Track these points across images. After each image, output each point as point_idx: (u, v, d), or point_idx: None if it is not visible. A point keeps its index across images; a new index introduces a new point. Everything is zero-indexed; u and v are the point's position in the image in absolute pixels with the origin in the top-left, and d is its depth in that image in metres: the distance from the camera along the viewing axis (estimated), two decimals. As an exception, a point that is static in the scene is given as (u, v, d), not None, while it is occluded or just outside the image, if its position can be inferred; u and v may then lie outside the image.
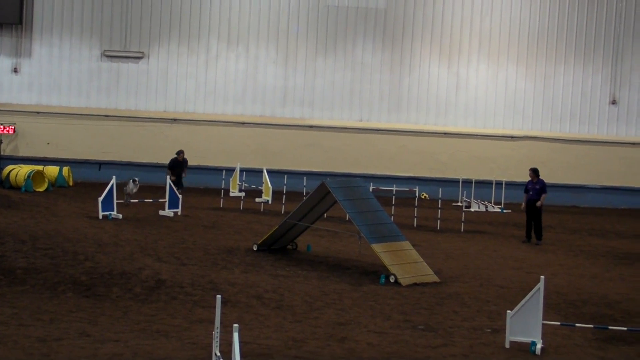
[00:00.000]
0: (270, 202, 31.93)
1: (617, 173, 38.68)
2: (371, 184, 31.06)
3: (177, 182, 30.72)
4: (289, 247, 23.08)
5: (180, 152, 32.09)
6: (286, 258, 22.08)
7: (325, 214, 25.35)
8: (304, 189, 32.37)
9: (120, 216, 26.78)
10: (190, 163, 33.50)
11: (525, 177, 28.76)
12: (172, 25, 39.55)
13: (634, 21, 39.12)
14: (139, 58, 39.63)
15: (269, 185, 32.01)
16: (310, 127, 39.23)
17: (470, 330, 16.00)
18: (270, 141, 39.27)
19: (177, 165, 31.80)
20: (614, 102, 39.08)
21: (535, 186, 27.18)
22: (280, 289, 18.40)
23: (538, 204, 26.95)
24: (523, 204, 27.42)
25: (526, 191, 27.41)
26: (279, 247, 22.85)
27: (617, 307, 18.63)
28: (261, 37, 39.39)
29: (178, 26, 39.55)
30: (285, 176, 33.19)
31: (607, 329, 16.23)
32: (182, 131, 39.31)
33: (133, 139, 39.33)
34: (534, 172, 27.53)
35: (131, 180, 30.34)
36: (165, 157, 34.76)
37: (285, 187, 32.02)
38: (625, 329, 16.27)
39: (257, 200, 32.42)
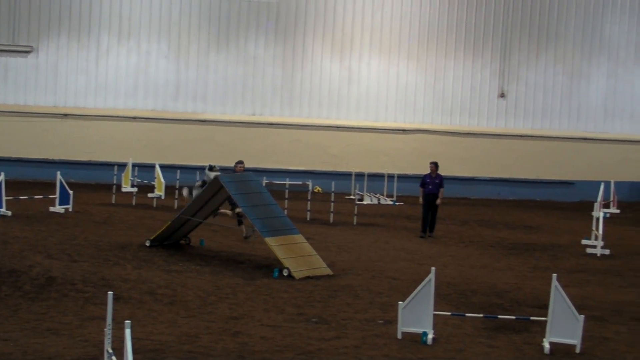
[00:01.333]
0: (163, 197, 31.68)
1: (506, 165, 39.48)
2: (264, 178, 31.08)
3: None
4: (182, 242, 22.96)
5: None
6: (179, 253, 21.96)
7: (219, 209, 25.27)
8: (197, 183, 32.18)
9: (10, 213, 26.26)
10: (81, 159, 33.03)
11: (418, 170, 29.07)
12: (62, 19, 38.93)
13: (521, 16, 39.96)
14: (28, 52, 38.90)
15: (162, 180, 31.74)
16: (203, 121, 39.06)
17: (363, 322, 16.17)
18: (163, 136, 38.97)
19: None
20: (502, 96, 39.87)
21: (435, 180, 27.24)
22: (173, 285, 18.30)
23: (438, 201, 27.09)
24: (421, 198, 27.30)
25: (423, 185, 27.32)
26: (172, 242, 22.71)
27: (506, 297, 19.04)
28: (152, 31, 39.06)
29: (68, 20, 38.94)
30: (178, 171, 32.97)
31: (497, 318, 16.60)
32: (72, 126, 38.71)
33: (22, 135, 38.57)
34: (436, 165, 27.56)
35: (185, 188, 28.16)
36: (55, 153, 34.18)
37: (178, 182, 31.81)
38: (513, 317, 16.65)
39: (149, 195, 32.13)
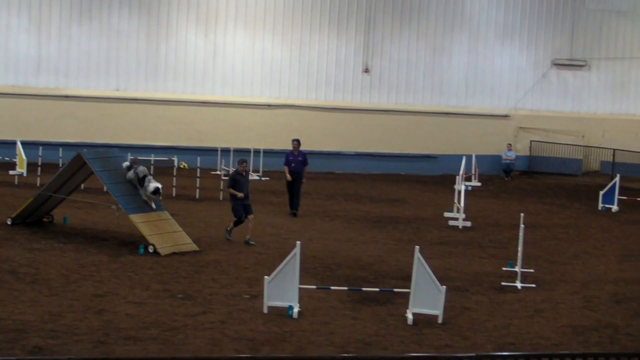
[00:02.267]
0: (25, 174, 30.96)
1: (371, 139, 39.91)
2: (129, 154, 30.71)
3: None
4: (45, 219, 22.53)
5: None
6: (42, 231, 21.57)
7: (82, 185, 24.87)
8: (60, 160, 31.59)
9: None
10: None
11: (284, 145, 28.85)
12: None
13: (385, -8, 40.35)
14: None
15: (23, 157, 31.04)
16: (66, 97, 38.20)
17: (229, 297, 16.21)
18: (24, 112, 37.96)
19: None
20: (366, 71, 40.25)
21: (298, 158, 26.77)
22: (36, 263, 17.99)
23: (304, 180, 26.82)
24: (288, 176, 26.73)
25: (287, 163, 26.85)
26: (34, 220, 22.27)
27: (371, 269, 19.36)
28: (12, 4, 37.88)
29: None
30: (40, 147, 32.23)
31: (361, 290, 16.86)
32: None
33: None
34: (298, 143, 27.12)
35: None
36: None
37: (40, 158, 31.11)
38: (377, 289, 16.95)
39: (11, 172, 31.39)
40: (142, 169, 20.89)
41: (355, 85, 40.27)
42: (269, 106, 39.43)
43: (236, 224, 21.85)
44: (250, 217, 21.79)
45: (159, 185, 20.75)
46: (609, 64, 42.27)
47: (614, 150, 38.28)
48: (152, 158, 31.49)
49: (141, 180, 20.58)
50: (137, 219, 20.10)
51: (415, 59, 40.66)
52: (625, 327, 15.73)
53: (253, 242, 21.50)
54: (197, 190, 29.55)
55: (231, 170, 34.16)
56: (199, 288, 16.77)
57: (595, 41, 42.14)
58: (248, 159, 22.76)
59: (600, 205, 30.77)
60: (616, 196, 30.79)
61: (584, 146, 40.27)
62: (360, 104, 40.23)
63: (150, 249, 19.64)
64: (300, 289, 15.27)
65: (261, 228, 23.94)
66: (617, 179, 31.21)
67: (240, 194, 21.58)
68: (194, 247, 20.30)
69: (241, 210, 21.71)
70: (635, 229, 26.99)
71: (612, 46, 42.30)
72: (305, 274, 17.46)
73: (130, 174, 20.78)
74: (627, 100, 42.55)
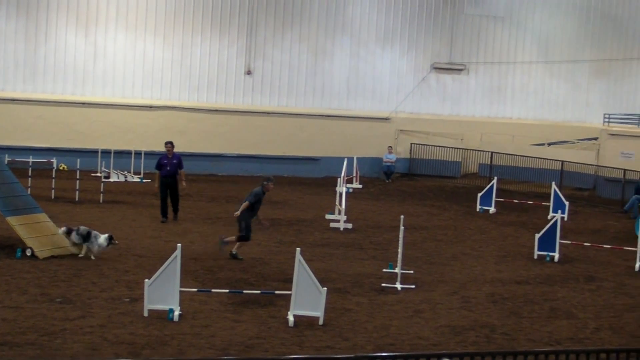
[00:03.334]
0: None
1: (253, 142, 39.87)
2: (6, 155, 30.07)
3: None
4: None
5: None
6: None
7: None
8: None
9: None
10: None
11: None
12: None
13: (267, -5, 40.40)
14: None
15: None
16: (-60, 96, 37.19)
17: (109, 300, 16.03)
18: None
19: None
20: (249, 73, 40.23)
21: (172, 161, 25.73)
22: None
23: (183, 183, 25.74)
24: (157, 182, 25.70)
25: (159, 167, 25.72)
26: None
27: (252, 272, 19.37)
28: None
29: None
30: None
31: (242, 293, 16.88)
32: None
33: None
34: (172, 145, 26.07)
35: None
36: None
37: None
38: (258, 292, 16.99)
39: None
40: (82, 228, 20.16)
41: (237, 87, 40.20)
42: (150, 107, 39.05)
43: (241, 239, 20.73)
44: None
45: (109, 234, 20.13)
46: (487, 68, 43.18)
47: (492, 153, 39.09)
48: (30, 159, 30.85)
49: (86, 237, 19.89)
50: (14, 221, 19.69)
51: (298, 61, 40.81)
52: (501, 326, 16.11)
53: (241, 257, 20.64)
54: (77, 192, 29.08)
55: (112, 172, 33.79)
56: (78, 292, 16.54)
57: (474, 46, 42.99)
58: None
59: (478, 207, 31.41)
60: (493, 198, 31.47)
61: (462, 149, 40.99)
62: (242, 106, 40.16)
63: (28, 252, 19.28)
64: (181, 291, 15.20)
65: (142, 231, 23.74)
66: (495, 181, 31.91)
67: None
68: (73, 250, 19.99)
69: (249, 230, 20.85)
70: (512, 230, 27.64)
71: (489, 51, 43.21)
72: (186, 276, 17.39)
73: (74, 237, 19.97)
74: (504, 103, 43.51)
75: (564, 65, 43.85)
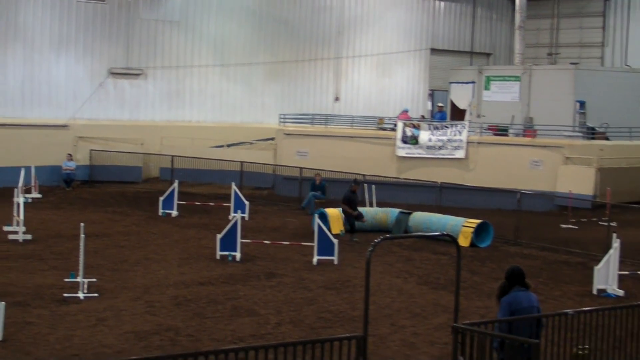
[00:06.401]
0: None
1: None
2: None
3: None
4: None
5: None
6: None
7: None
8: None
9: None
10: None
11: None
12: None
13: None
14: None
15: None
16: None
17: None
18: None
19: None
20: None
21: None
22: None
23: None
24: None
25: None
26: None
27: None
28: None
29: None
30: None
31: None
32: None
33: None
34: None
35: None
36: None
37: None
38: None
39: None
40: None
41: None
42: None
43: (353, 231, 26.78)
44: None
45: None
46: (165, 73, 43.35)
47: (172, 156, 39.29)
48: None
49: None
50: None
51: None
52: (185, 328, 16.33)
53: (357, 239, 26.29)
54: None
55: None
56: None
57: (151, 50, 42.99)
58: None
59: (161, 211, 31.53)
60: (175, 201, 31.70)
61: (143, 153, 40.88)
62: None
63: None
64: None
65: None
66: (176, 184, 32.16)
67: (354, 212, 26.82)
68: None
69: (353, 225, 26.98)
70: (194, 232, 27.96)
71: (167, 55, 43.38)
72: None
73: None
74: (183, 107, 43.87)
75: (240, 68, 44.90)
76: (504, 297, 11.86)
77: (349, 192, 27.38)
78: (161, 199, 31.81)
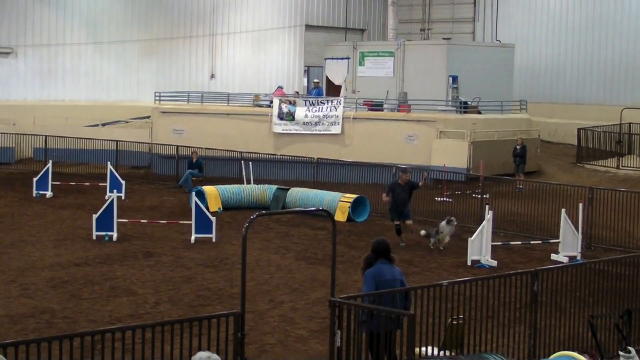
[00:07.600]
0: None
1: None
2: None
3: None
4: None
5: None
6: None
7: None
8: None
9: None
10: None
11: None
12: None
13: None
14: None
15: None
16: None
17: None
18: None
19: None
20: None
21: None
22: None
23: None
24: None
25: None
26: None
27: None
28: None
29: None
30: None
31: None
32: None
33: None
34: None
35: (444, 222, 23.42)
36: None
37: None
38: None
39: None
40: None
41: None
42: None
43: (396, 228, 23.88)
44: (408, 222, 23.80)
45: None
46: (36, 51, 42.43)
47: (46, 136, 38.51)
48: None
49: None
50: None
51: None
52: (61, 310, 16.16)
53: (403, 243, 23.42)
54: None
55: None
56: None
57: (21, 28, 42.02)
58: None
59: (35, 192, 30.98)
60: (50, 182, 31.19)
61: (15, 134, 39.99)
62: None
63: None
64: None
65: None
66: (50, 164, 31.64)
67: (386, 198, 23.73)
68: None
69: (394, 214, 23.75)
70: (70, 213, 27.59)
71: (37, 32, 42.45)
72: None
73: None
74: (56, 86, 43.04)
75: (114, 45, 44.24)
76: (368, 270, 12.13)
77: (395, 183, 24.58)
78: (35, 179, 31.24)
